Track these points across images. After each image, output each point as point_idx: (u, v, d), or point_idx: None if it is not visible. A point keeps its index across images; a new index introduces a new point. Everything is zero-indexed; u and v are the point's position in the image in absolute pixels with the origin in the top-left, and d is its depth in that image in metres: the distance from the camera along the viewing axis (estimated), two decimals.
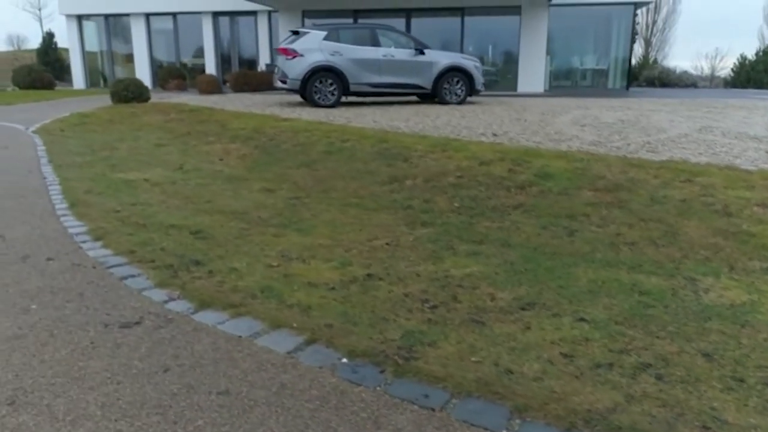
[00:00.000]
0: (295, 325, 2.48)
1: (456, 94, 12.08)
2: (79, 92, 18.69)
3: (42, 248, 3.52)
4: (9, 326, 2.47)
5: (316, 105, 11.37)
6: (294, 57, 11.32)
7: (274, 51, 19.89)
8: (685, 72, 25.75)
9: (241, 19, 20.00)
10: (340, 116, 9.50)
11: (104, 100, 14.61)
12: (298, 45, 11.38)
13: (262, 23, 19.71)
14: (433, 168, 5.47)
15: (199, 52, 20.58)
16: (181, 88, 18.68)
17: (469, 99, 12.34)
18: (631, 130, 7.45)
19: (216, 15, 19.94)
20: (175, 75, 18.98)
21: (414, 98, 12.85)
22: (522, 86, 18.24)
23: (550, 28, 17.86)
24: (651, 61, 28.24)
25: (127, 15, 20.39)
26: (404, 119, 9.10)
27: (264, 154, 6.80)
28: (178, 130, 8.96)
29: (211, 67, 20.20)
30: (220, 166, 6.39)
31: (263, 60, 19.89)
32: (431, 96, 12.31)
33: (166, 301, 2.76)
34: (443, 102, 12.01)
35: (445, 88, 12.02)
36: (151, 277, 3.07)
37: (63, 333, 2.42)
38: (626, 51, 18.37)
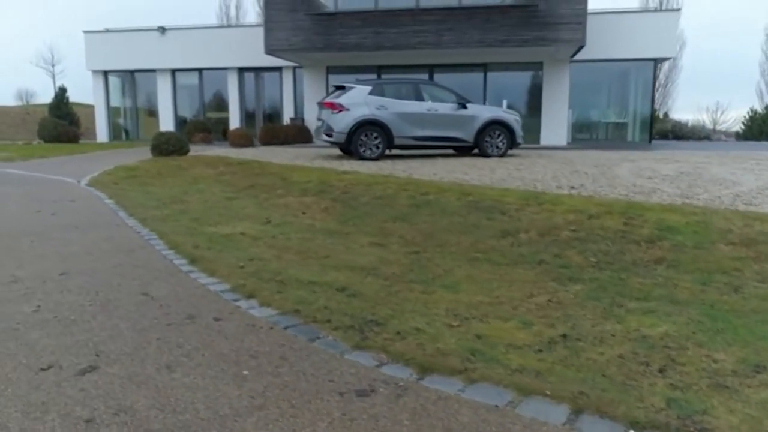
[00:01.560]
0: (547, 392, 2.31)
1: (497, 147, 12.17)
2: (105, 146, 18.73)
3: (199, 308, 3.35)
4: (238, 395, 2.29)
5: (361, 158, 11.40)
6: (340, 111, 11.42)
7: (298, 105, 20.17)
8: (695, 125, 26.25)
9: (266, 75, 20.33)
10: (395, 169, 9.50)
11: (137, 152, 14.64)
12: (344, 99, 11.51)
13: (287, 78, 20.03)
14: (539, 221, 5.38)
15: (224, 106, 20.81)
16: (207, 141, 18.76)
17: (509, 152, 12.41)
18: (706, 183, 7.44)
19: (241, 71, 20.28)
20: (200, 128, 19.09)
21: (451, 151, 12.91)
22: (545, 139, 18.47)
23: (571, 82, 18.24)
24: (662, 115, 28.83)
25: (153, 71, 20.70)
26: (461, 172, 9.09)
27: (346, 207, 6.71)
28: (238, 183, 8.90)
29: (235, 121, 20.39)
30: (308, 220, 6.28)
31: (287, 114, 20.12)
32: (470, 149, 12.40)
33: (378, 366, 2.59)
34: (485, 155, 12.07)
35: (486, 141, 12.12)
36: (340, 338, 2.90)
37: (301, 402, 2.24)
38: (647, 105, 18.73)
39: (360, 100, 11.50)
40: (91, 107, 33.95)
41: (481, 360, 2.66)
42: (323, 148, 15.94)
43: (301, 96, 19.94)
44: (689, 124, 25.13)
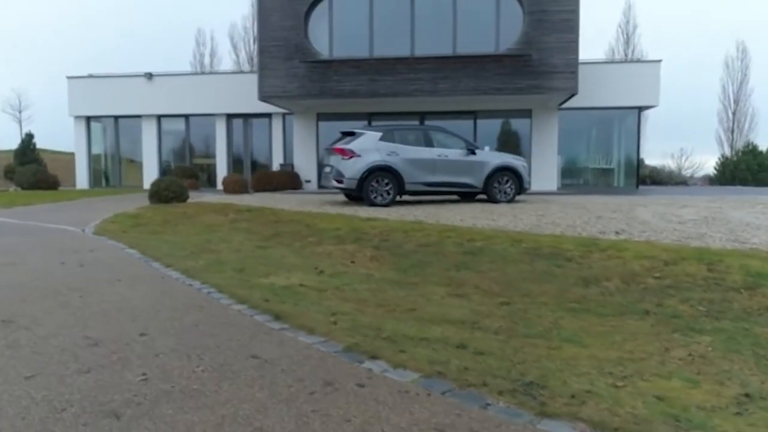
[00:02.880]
0: None
1: (505, 193, 12.16)
2: (88, 193, 18.00)
3: (329, 372, 3.00)
4: None
5: (372, 204, 11.20)
6: (351, 157, 11.26)
7: (287, 151, 19.95)
8: (672, 171, 27.13)
9: (255, 121, 20.14)
10: (416, 215, 9.31)
11: (127, 199, 14.12)
12: (355, 145, 11.36)
13: (277, 125, 19.87)
14: (614, 269, 5.22)
15: (210, 152, 20.43)
16: (195, 188, 18.25)
17: (516, 197, 12.40)
18: (741, 227, 7.46)
19: (230, 117, 20.04)
20: (188, 175, 18.60)
21: (455, 197, 12.81)
22: (536, 184, 18.57)
23: (560, 129, 18.61)
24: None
25: (139, 116, 20.26)
26: (486, 218, 8.96)
27: (395, 255, 6.43)
28: (261, 231, 8.52)
29: (222, 167, 20.01)
30: (362, 269, 5.97)
31: (277, 160, 19.86)
32: (475, 195, 12.32)
33: None
34: (493, 200, 12.02)
35: (495, 187, 12.10)
36: (514, 404, 2.60)
37: None
38: (633, 151, 19.25)
39: (371, 146, 11.37)
40: (57, 153, 32.96)
41: (691, 427, 2.40)
42: (320, 194, 15.71)
43: (291, 142, 19.77)
44: (666, 170, 26.01)
